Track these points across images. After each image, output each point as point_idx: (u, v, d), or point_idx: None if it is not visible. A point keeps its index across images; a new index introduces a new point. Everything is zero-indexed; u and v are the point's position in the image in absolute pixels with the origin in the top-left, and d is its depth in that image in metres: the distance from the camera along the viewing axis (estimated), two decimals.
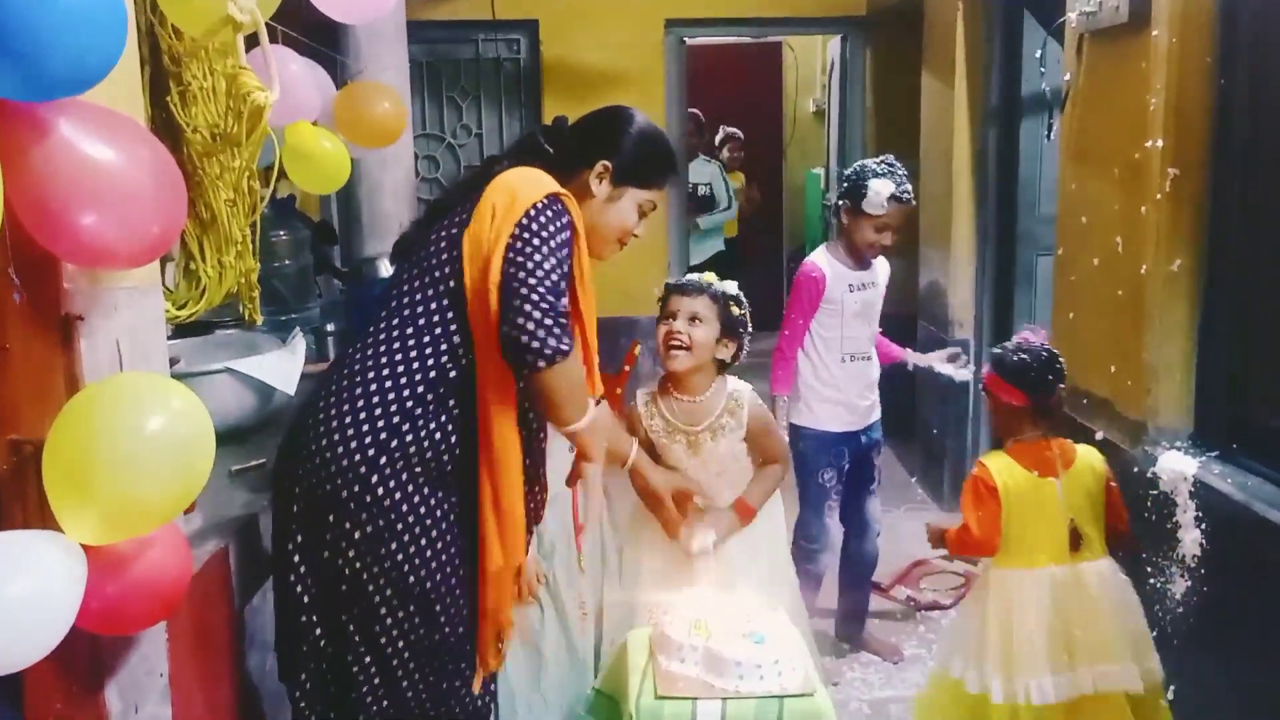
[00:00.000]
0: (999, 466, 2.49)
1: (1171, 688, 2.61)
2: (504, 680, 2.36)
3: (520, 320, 1.74)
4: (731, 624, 2.14)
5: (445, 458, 1.87)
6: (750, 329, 2.60)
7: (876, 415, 3.40)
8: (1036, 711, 2.40)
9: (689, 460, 2.57)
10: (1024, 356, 2.52)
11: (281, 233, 3.41)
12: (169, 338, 2.13)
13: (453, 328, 1.87)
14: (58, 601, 1.28)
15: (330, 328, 3.46)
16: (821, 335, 3.27)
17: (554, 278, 1.78)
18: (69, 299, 1.45)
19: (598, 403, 1.98)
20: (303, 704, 1.95)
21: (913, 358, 3.55)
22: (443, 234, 1.92)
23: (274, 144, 2.19)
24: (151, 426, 1.35)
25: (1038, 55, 3.89)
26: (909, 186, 3.22)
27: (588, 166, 2.04)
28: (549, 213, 1.84)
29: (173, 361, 2.18)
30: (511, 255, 1.79)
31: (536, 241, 1.80)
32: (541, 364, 1.75)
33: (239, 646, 2.08)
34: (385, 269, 3.57)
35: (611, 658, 2.31)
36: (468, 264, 1.84)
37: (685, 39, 5.94)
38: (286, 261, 3.42)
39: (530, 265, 1.77)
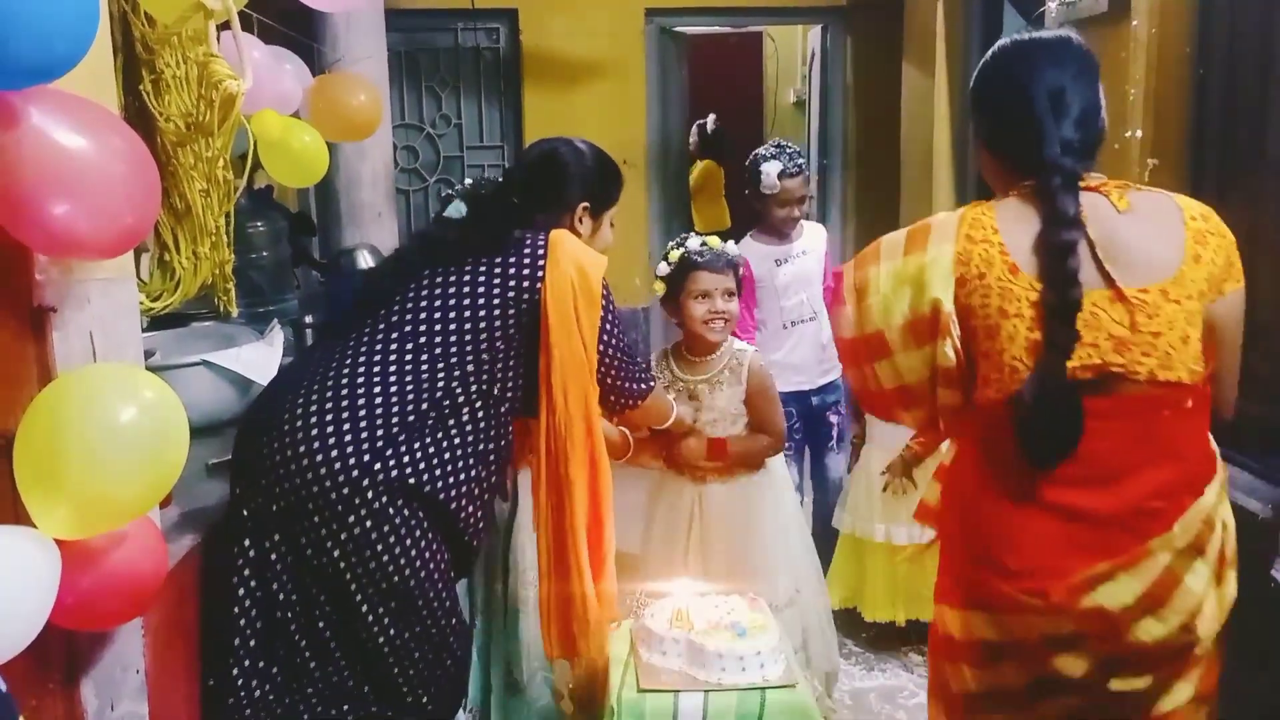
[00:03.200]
0: None
1: None
2: None
3: (619, 384, 2.22)
4: (713, 616, 2.14)
5: (442, 480, 1.96)
6: None
7: (832, 376, 3.55)
8: (916, 548, 3.04)
9: (684, 407, 2.64)
10: None
11: (259, 224, 3.37)
12: (144, 330, 2.10)
13: (470, 355, 2.01)
14: (31, 597, 1.26)
15: (309, 320, 3.43)
16: (762, 308, 3.48)
17: (625, 340, 2.21)
18: (41, 290, 1.43)
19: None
20: (272, 698, 1.93)
21: None
22: (481, 280, 2.05)
23: (248, 133, 2.16)
24: (123, 418, 1.33)
25: None
26: (799, 161, 3.47)
27: (569, 212, 2.25)
28: (610, 296, 2.15)
29: (149, 354, 2.15)
30: (606, 340, 2.14)
31: (615, 326, 2.17)
32: (636, 404, 2.28)
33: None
34: (364, 260, 3.54)
35: None
36: (556, 334, 2.04)
37: (675, 28, 5.93)
38: (264, 253, 3.38)
39: (617, 346, 2.19)
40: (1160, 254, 1.61)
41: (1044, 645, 1.63)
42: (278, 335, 2.61)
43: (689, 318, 2.64)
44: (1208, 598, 1.63)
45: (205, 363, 2.34)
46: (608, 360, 2.16)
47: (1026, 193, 1.65)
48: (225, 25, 1.97)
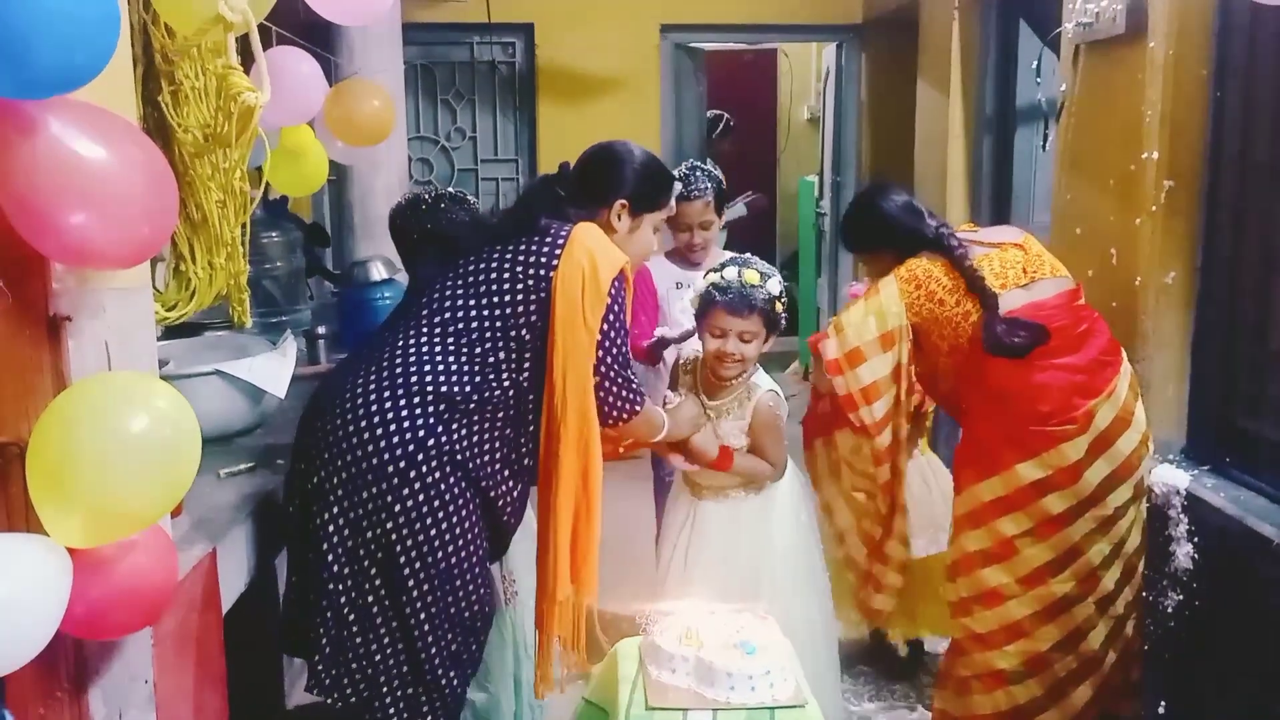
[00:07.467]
0: None
1: (1163, 703, 2.61)
2: None
3: (604, 395, 2.18)
4: (722, 634, 2.13)
5: (481, 459, 2.11)
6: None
7: None
8: (921, 561, 3.09)
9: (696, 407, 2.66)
10: None
11: (273, 234, 3.40)
12: (159, 339, 2.11)
13: (500, 342, 2.12)
14: (42, 605, 1.26)
15: (321, 330, 3.44)
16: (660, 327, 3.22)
17: (624, 350, 2.21)
18: (57, 299, 1.43)
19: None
20: (320, 668, 2.10)
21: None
22: (505, 266, 2.15)
23: (264, 145, 2.17)
24: (135, 427, 1.33)
25: (1034, 65, 3.89)
26: (701, 184, 3.18)
27: (606, 206, 2.28)
28: (620, 296, 2.17)
29: (162, 363, 2.16)
30: (603, 341, 2.15)
31: (617, 331, 2.17)
32: (618, 422, 2.23)
33: (226, 652, 2.06)
34: (377, 271, 3.55)
35: (601, 667, 2.30)
36: (561, 321, 2.11)
37: (691, 44, 5.95)
38: (278, 263, 3.41)
39: (613, 353, 2.17)
40: (1012, 235, 2.71)
41: (1073, 468, 2.44)
42: (291, 346, 2.62)
43: (705, 348, 2.61)
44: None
45: (218, 372, 2.35)
46: (599, 357, 2.15)
47: (922, 255, 2.64)
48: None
